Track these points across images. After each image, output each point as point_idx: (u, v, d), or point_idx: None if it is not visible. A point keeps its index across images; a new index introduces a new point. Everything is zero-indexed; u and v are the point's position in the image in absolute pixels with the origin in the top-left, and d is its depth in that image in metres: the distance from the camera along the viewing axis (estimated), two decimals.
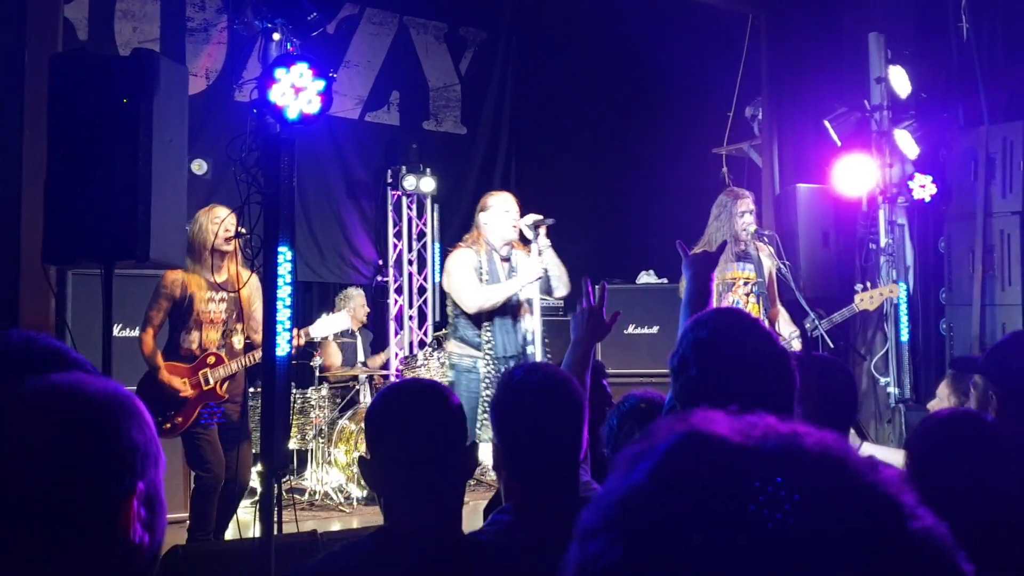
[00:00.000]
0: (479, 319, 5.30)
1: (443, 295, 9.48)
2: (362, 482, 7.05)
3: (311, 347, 7.34)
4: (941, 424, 2.09)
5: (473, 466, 2.01)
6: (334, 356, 7.83)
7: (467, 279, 5.31)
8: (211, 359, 5.09)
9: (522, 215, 5.46)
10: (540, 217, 5.35)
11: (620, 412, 2.79)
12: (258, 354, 5.02)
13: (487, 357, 5.31)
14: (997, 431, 2.11)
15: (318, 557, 1.92)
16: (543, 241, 5.30)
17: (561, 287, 5.44)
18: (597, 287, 2.96)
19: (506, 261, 5.45)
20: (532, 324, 5.36)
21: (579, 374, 2.67)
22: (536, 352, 5.34)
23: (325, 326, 5.59)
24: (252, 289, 4.96)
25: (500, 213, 5.43)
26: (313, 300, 8.94)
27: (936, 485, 1.97)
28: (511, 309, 5.35)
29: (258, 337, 5.03)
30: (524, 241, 5.48)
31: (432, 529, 1.88)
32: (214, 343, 5.12)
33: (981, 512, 1.88)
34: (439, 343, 7.95)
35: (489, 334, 5.28)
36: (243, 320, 5.10)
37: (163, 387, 4.98)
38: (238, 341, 5.17)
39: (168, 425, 5.01)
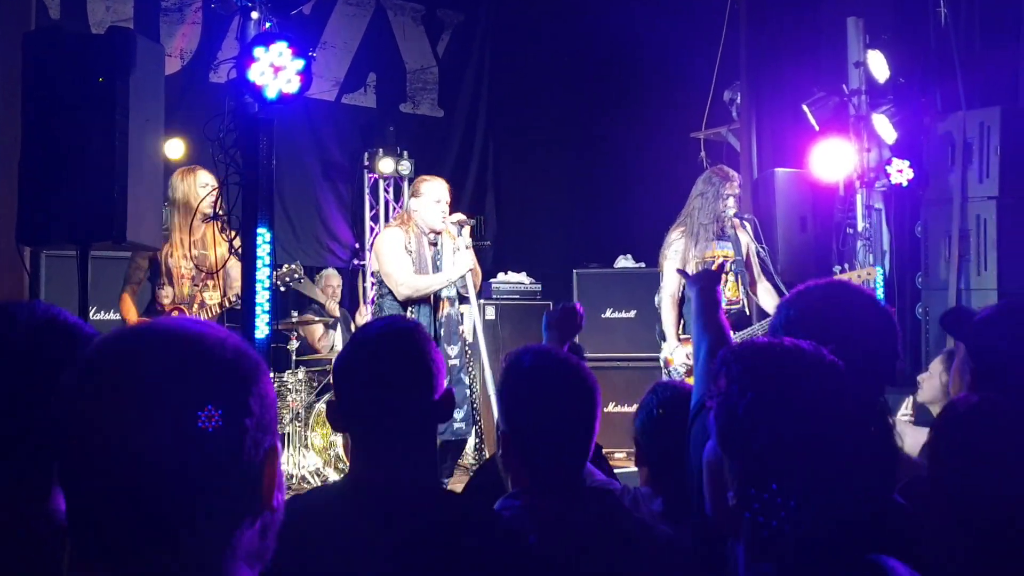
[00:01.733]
0: (405, 303, 5.35)
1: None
2: (339, 465, 7.03)
3: (288, 330, 7.30)
4: (970, 409, 2.04)
5: (447, 414, 1.95)
6: (316, 331, 7.84)
7: (400, 263, 5.34)
8: (175, 313, 5.08)
9: (472, 205, 5.54)
10: (463, 217, 5.44)
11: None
12: (225, 300, 5.06)
13: None
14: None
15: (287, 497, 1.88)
16: (466, 240, 5.38)
17: (475, 286, 5.46)
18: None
19: (433, 246, 5.48)
20: (448, 310, 5.45)
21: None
22: (480, 337, 5.47)
23: (275, 277, 5.64)
24: (224, 255, 4.97)
25: (431, 203, 5.43)
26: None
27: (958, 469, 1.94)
28: (434, 300, 5.41)
29: (232, 293, 5.15)
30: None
31: (399, 476, 1.82)
32: (184, 298, 5.13)
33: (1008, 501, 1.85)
34: None
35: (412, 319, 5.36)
36: (218, 278, 5.15)
37: None
38: (209, 297, 5.19)
39: None
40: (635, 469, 2.91)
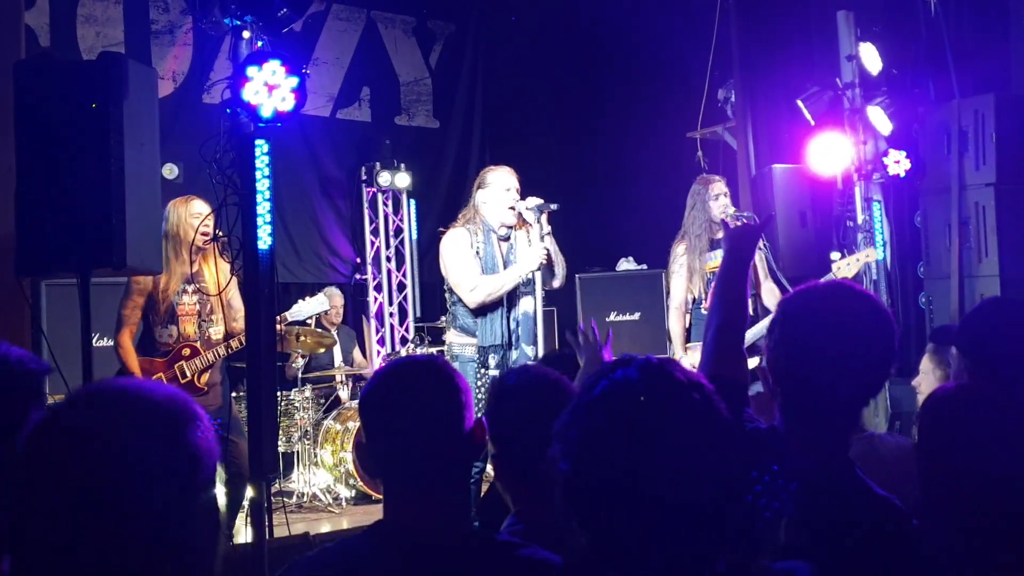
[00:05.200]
0: (479, 311, 4.92)
1: (423, 290, 9.50)
2: (350, 481, 7.01)
3: (289, 354, 7.27)
4: (950, 401, 2.05)
5: (479, 450, 1.88)
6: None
7: (466, 268, 4.87)
8: (186, 351, 5.03)
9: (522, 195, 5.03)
10: (542, 201, 4.85)
11: None
12: (235, 342, 4.99)
13: (476, 345, 4.95)
14: (1007, 405, 2.07)
15: (314, 551, 1.84)
16: (544, 227, 4.87)
17: (557, 279, 5.02)
18: (602, 331, 2.97)
19: (504, 241, 5.01)
20: (526, 307, 4.95)
21: None
22: (539, 337, 4.92)
23: (303, 309, 5.57)
24: (225, 279, 4.88)
25: (499, 192, 4.91)
26: (291, 301, 8.85)
27: (944, 465, 1.95)
28: (508, 297, 4.93)
29: (238, 325, 5.01)
30: (525, 220, 5.06)
31: (433, 522, 1.77)
32: (191, 335, 5.07)
33: (991, 488, 1.86)
34: (422, 338, 7.91)
35: (480, 321, 4.90)
36: (221, 311, 5.09)
37: None
38: (215, 332, 5.12)
39: None
40: None
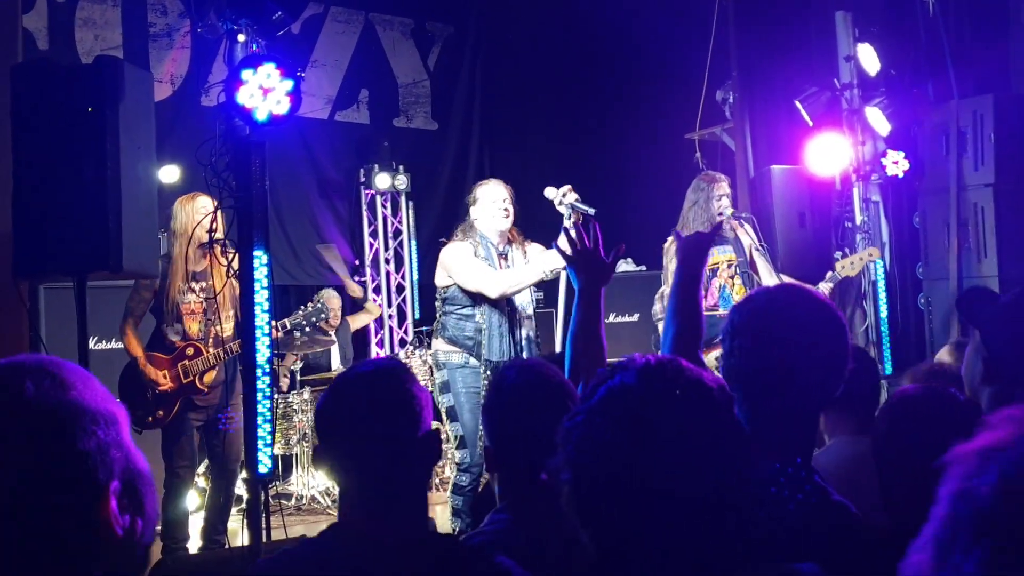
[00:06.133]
0: (473, 319, 4.98)
1: (422, 292, 9.49)
2: None
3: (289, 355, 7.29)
4: (906, 403, 2.05)
5: (435, 456, 1.89)
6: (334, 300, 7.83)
7: (478, 267, 4.95)
8: (190, 351, 5.04)
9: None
10: (577, 197, 4.89)
11: None
12: (235, 346, 4.99)
13: (479, 358, 4.98)
14: (968, 408, 2.07)
15: (272, 554, 1.85)
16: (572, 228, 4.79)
17: (562, 289, 5.09)
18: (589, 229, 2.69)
19: (503, 258, 5.11)
20: (528, 331, 5.07)
21: (592, 328, 2.46)
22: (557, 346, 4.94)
23: (303, 320, 5.56)
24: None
25: (487, 205, 5.12)
26: (290, 303, 8.88)
27: (902, 467, 1.96)
28: (508, 312, 5.02)
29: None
30: (523, 234, 5.22)
31: (387, 525, 1.78)
32: (197, 333, 5.07)
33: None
34: (420, 340, 7.91)
35: (483, 336, 4.96)
36: (231, 307, 5.07)
37: (143, 379, 4.95)
38: (225, 328, 5.12)
39: (150, 419, 5.00)
40: None
